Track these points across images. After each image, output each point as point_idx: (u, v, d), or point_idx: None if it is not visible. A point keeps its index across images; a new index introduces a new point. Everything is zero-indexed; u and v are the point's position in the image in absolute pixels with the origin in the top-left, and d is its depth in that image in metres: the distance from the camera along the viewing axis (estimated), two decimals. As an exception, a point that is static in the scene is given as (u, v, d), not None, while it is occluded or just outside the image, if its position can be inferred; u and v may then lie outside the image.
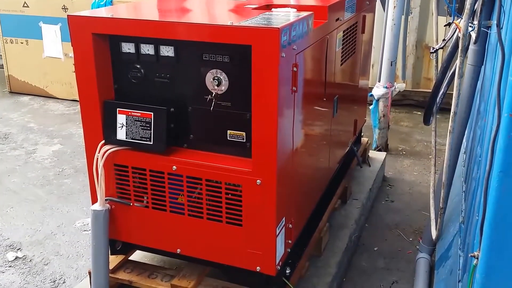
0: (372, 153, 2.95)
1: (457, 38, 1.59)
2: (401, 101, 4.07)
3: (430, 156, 3.27)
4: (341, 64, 2.06)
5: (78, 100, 1.62)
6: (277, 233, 1.52)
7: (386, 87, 3.13)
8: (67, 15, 1.53)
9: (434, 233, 1.91)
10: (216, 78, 1.50)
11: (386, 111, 3.19)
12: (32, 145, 3.47)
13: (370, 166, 2.78)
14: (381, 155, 2.95)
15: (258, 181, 1.48)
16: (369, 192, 2.55)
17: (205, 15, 1.69)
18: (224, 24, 1.38)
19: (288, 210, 1.61)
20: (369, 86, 2.91)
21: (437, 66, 1.75)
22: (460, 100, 1.73)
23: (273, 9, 1.68)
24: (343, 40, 2.02)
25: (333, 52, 1.90)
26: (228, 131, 1.55)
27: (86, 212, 2.59)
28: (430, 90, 3.97)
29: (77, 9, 3.94)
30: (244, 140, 1.54)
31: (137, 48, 1.55)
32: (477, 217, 1.17)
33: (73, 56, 1.55)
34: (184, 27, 1.42)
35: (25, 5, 4.19)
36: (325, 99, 1.89)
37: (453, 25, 1.68)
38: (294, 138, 1.59)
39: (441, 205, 1.77)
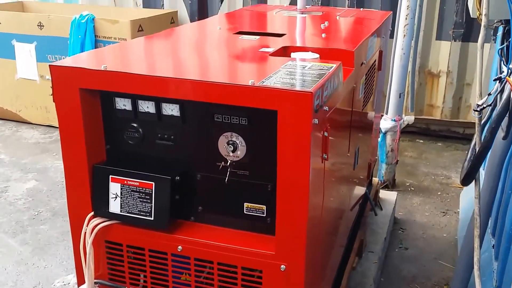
0: (382, 193, 2.73)
1: (509, 97, 1.35)
2: (403, 129, 3.87)
3: (439, 193, 3.08)
4: (362, 110, 1.82)
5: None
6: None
7: (395, 120, 2.92)
8: (49, 65, 1.25)
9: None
10: (231, 142, 1.24)
11: (394, 145, 2.97)
12: (4, 182, 3.13)
13: (382, 209, 2.55)
14: (392, 195, 2.73)
15: (282, 266, 1.23)
16: (384, 241, 2.32)
17: (216, 66, 1.41)
18: (243, 84, 1.12)
19: (314, 294, 1.35)
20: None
21: (480, 124, 1.51)
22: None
23: (292, 55, 1.43)
24: (365, 84, 1.79)
25: (357, 100, 1.67)
26: (245, 203, 1.29)
27: (67, 268, 2.28)
28: (434, 118, 3.85)
29: (54, 26, 3.64)
30: (265, 215, 1.28)
31: (135, 105, 1.28)
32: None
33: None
34: (194, 85, 1.15)
35: (-4, 21, 3.84)
36: (348, 154, 1.65)
37: (503, 79, 1.44)
38: (323, 210, 1.34)
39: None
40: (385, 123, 2.94)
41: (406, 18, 2.78)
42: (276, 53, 1.45)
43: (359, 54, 1.56)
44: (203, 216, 1.34)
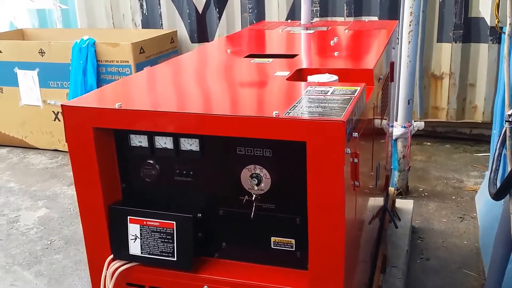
0: (398, 202, 2.67)
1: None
2: (410, 133, 3.83)
3: (453, 197, 3.03)
4: (380, 124, 1.77)
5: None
6: None
7: (405, 127, 2.87)
8: (61, 105, 1.20)
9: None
10: (254, 175, 1.19)
11: (406, 151, 2.92)
12: (14, 211, 3.08)
13: (400, 220, 2.49)
14: (408, 203, 2.67)
15: (316, 302, 1.17)
16: (406, 254, 2.26)
17: (235, 96, 1.34)
18: (268, 116, 1.07)
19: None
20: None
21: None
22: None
23: (309, 78, 1.38)
24: (382, 98, 1.74)
25: (377, 117, 1.61)
26: (272, 237, 1.24)
27: (83, 301, 2.23)
28: (439, 120, 3.80)
29: (55, 53, 3.61)
30: (294, 249, 1.23)
31: (151, 141, 1.23)
32: None
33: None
34: (216, 121, 1.10)
35: (-2, 50, 3.81)
36: (372, 173, 1.59)
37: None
38: (356, 237, 1.28)
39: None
40: (396, 130, 2.89)
41: (410, 25, 2.74)
42: (292, 77, 1.40)
43: (377, 71, 1.51)
44: (227, 252, 1.29)
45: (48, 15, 4.49)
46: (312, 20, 2.65)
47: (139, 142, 1.24)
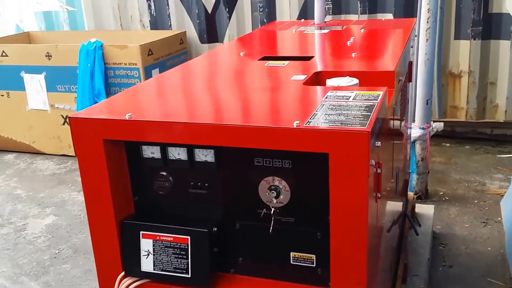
0: (418, 207, 2.58)
1: None
2: (427, 134, 3.73)
3: (475, 201, 2.93)
4: (399, 127, 1.69)
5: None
6: None
7: (423, 128, 2.77)
8: (69, 117, 1.14)
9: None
10: (273, 187, 1.11)
11: (425, 154, 2.83)
12: (22, 219, 3.03)
13: (420, 225, 2.40)
14: (429, 209, 2.58)
15: (340, 322, 1.10)
16: (428, 262, 2.17)
17: (251, 103, 1.26)
18: (287, 126, 0.99)
19: None
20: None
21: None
22: None
23: (327, 82, 1.31)
24: (400, 100, 1.66)
25: (396, 120, 1.53)
26: (291, 253, 1.17)
27: (94, 312, 2.17)
28: (458, 120, 3.70)
29: (62, 56, 3.55)
30: (314, 265, 1.16)
31: (164, 153, 1.16)
32: None
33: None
34: (232, 131, 1.03)
35: (4, 54, 3.76)
36: (392, 180, 1.51)
37: None
38: (379, 249, 1.21)
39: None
40: (414, 131, 2.80)
41: (427, 22, 2.64)
42: (310, 81, 1.32)
43: (397, 73, 1.43)
44: (244, 268, 1.22)
45: (54, 17, 4.45)
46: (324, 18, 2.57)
47: (152, 153, 1.17)
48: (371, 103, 1.10)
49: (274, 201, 1.12)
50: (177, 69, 1.56)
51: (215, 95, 1.34)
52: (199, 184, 1.17)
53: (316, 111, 1.06)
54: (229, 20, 3.88)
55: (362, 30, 2.01)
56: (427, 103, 2.75)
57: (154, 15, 4.04)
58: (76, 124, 1.12)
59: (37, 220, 3.02)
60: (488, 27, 3.40)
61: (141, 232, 1.19)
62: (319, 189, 1.05)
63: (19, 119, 3.92)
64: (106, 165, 1.14)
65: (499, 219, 2.66)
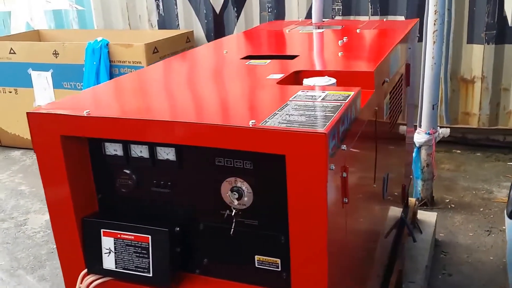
0: (421, 214, 2.49)
1: None
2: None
3: (481, 209, 2.82)
4: (390, 131, 1.63)
5: None
6: None
7: (429, 133, 2.68)
8: (27, 113, 1.13)
9: None
10: (235, 189, 1.07)
11: (430, 160, 2.73)
12: (23, 214, 3.07)
13: (421, 232, 2.32)
14: (432, 216, 2.49)
15: (302, 329, 1.05)
16: (426, 269, 2.09)
17: (215, 101, 1.23)
18: (243, 125, 0.95)
19: None
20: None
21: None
22: None
23: (304, 81, 1.26)
24: (390, 103, 1.59)
25: (382, 123, 1.47)
26: (256, 256, 1.12)
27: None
28: (470, 126, 3.57)
29: (69, 54, 3.59)
30: (279, 269, 1.11)
31: (126, 150, 1.13)
32: None
33: None
34: (188, 129, 0.99)
35: (12, 51, 3.82)
36: (375, 185, 1.45)
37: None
38: (348, 255, 1.16)
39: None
40: (419, 136, 2.71)
41: (434, 24, 2.55)
42: (286, 80, 1.28)
43: (380, 73, 1.37)
44: (209, 269, 1.18)
45: (64, 16, 4.51)
46: (325, 19, 2.52)
47: (114, 150, 1.15)
48: (339, 103, 1.05)
49: (236, 202, 1.08)
50: (155, 66, 1.54)
51: (181, 93, 1.31)
52: (162, 183, 1.14)
53: (277, 111, 1.02)
54: (237, 20, 3.85)
55: (358, 30, 1.95)
56: (433, 108, 2.66)
57: (162, 14, 4.05)
58: (34, 119, 1.11)
59: (38, 215, 3.05)
60: (502, 31, 3.28)
61: (102, 229, 1.17)
62: (283, 192, 1.00)
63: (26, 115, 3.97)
64: (64, 162, 1.12)
65: (504, 227, 2.55)
